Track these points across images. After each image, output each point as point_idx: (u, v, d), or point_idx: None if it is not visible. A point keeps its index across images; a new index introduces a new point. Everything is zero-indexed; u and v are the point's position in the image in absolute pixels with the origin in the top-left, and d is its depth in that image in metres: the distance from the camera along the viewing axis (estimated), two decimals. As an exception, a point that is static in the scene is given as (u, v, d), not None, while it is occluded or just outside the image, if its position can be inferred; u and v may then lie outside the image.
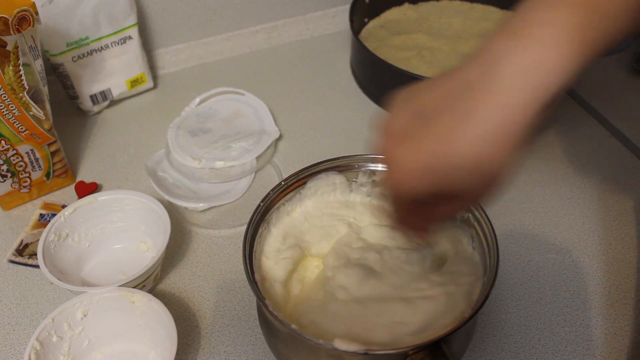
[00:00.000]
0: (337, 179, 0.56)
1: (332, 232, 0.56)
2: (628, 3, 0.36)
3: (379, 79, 0.79)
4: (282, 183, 0.54)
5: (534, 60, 0.35)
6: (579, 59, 0.35)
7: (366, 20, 0.90)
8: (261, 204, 0.52)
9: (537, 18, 0.36)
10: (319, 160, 0.56)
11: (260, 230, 0.52)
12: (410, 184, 0.38)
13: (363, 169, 0.56)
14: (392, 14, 0.91)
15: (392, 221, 0.46)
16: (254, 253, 0.51)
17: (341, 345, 0.41)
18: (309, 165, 0.55)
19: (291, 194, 0.55)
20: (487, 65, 0.36)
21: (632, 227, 0.64)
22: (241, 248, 0.50)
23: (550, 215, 0.65)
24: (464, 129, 0.36)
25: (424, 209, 0.43)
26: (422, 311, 0.47)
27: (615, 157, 0.72)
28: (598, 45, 0.36)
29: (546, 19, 0.35)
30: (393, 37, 0.86)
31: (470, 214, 0.51)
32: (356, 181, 0.57)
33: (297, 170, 0.55)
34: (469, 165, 0.36)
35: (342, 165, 0.56)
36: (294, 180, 0.55)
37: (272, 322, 0.47)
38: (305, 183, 0.55)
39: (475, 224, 0.51)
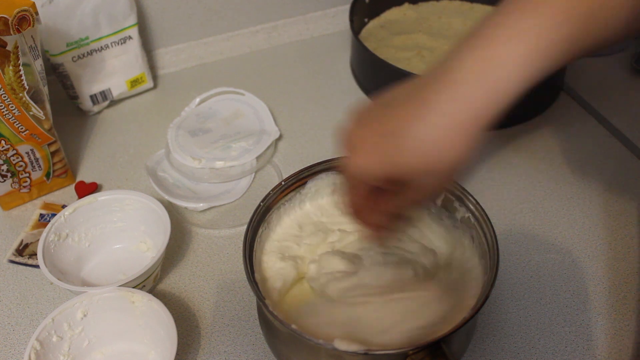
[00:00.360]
0: (337, 179, 0.56)
1: (331, 233, 0.56)
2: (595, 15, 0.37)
3: (379, 79, 0.79)
4: (283, 183, 0.54)
5: (493, 62, 0.37)
6: (539, 64, 0.37)
7: (366, 20, 0.90)
8: (261, 204, 0.52)
9: (502, 25, 0.38)
10: (319, 160, 0.56)
11: (260, 231, 0.52)
12: (367, 164, 0.40)
13: None
14: (392, 14, 0.91)
15: (348, 211, 0.47)
16: (254, 253, 0.51)
17: (341, 345, 0.41)
18: (309, 165, 0.55)
19: (291, 194, 0.55)
20: (449, 61, 0.39)
21: (632, 226, 0.64)
22: (241, 248, 0.50)
23: (550, 215, 0.65)
24: (421, 115, 0.38)
25: (379, 200, 0.45)
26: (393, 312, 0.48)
27: (615, 157, 0.72)
28: (564, 54, 0.38)
29: (510, 27, 0.37)
30: (393, 37, 0.86)
31: (470, 214, 0.51)
32: None
33: (297, 170, 0.55)
34: (423, 150, 0.38)
35: (342, 166, 0.56)
36: (294, 180, 0.55)
37: (272, 322, 0.47)
38: (305, 183, 0.55)
39: (476, 224, 0.51)
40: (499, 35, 0.37)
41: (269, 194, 0.53)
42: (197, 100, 0.79)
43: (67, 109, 0.80)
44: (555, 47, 0.37)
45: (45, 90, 0.65)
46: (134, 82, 0.81)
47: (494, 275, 0.45)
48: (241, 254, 0.49)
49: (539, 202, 0.67)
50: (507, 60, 0.37)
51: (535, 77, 0.38)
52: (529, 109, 0.77)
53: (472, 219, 0.51)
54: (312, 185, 0.56)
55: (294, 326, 0.43)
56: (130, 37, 0.78)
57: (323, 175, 0.56)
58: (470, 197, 0.51)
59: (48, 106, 0.65)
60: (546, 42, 0.37)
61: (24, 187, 0.68)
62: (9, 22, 0.56)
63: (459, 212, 0.53)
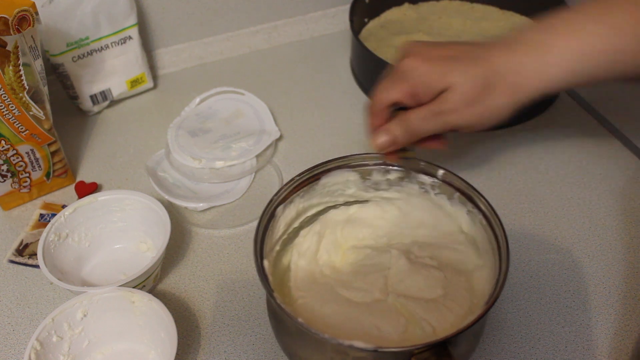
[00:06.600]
0: (350, 176, 0.56)
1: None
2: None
3: (379, 79, 0.79)
4: (297, 178, 0.54)
5: (548, 51, 0.46)
6: (587, 63, 0.46)
7: (366, 20, 0.90)
8: (274, 197, 0.52)
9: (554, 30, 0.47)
10: (318, 161, 0.55)
11: (271, 223, 0.52)
12: (420, 66, 0.49)
13: (377, 167, 0.56)
14: (392, 14, 0.91)
15: (369, 127, 0.53)
16: (265, 245, 0.50)
17: (347, 340, 0.41)
18: (323, 161, 0.55)
19: (305, 188, 0.55)
20: (504, 44, 0.48)
21: (632, 227, 0.64)
22: (241, 248, 0.50)
23: (550, 215, 0.65)
24: (475, 64, 0.47)
25: (401, 116, 0.51)
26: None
27: (616, 157, 0.72)
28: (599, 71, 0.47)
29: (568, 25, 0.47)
30: (393, 37, 0.86)
31: (482, 215, 0.51)
32: (370, 179, 0.57)
33: (312, 166, 0.55)
34: (465, 89, 0.47)
35: (356, 163, 0.56)
36: (308, 175, 0.55)
37: (280, 316, 0.48)
38: (319, 179, 0.55)
39: (486, 224, 0.50)
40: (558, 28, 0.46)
41: (282, 187, 0.53)
42: (197, 100, 0.79)
43: (67, 109, 0.80)
44: (605, 56, 0.46)
45: (45, 90, 0.65)
46: (134, 82, 0.81)
47: (503, 276, 0.45)
48: (241, 254, 0.49)
49: (539, 202, 0.67)
50: (561, 51, 0.46)
51: (578, 75, 0.46)
52: (529, 109, 0.77)
53: (482, 218, 0.51)
54: (326, 181, 0.56)
55: (300, 320, 0.43)
56: (130, 37, 0.78)
57: (337, 172, 0.55)
58: (481, 197, 0.51)
59: (48, 106, 0.65)
60: (600, 45, 0.45)
61: (24, 187, 0.68)
62: (9, 22, 0.56)
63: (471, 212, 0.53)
